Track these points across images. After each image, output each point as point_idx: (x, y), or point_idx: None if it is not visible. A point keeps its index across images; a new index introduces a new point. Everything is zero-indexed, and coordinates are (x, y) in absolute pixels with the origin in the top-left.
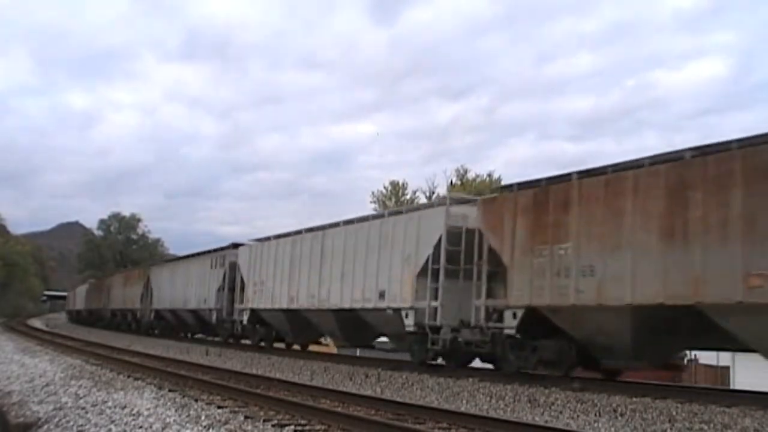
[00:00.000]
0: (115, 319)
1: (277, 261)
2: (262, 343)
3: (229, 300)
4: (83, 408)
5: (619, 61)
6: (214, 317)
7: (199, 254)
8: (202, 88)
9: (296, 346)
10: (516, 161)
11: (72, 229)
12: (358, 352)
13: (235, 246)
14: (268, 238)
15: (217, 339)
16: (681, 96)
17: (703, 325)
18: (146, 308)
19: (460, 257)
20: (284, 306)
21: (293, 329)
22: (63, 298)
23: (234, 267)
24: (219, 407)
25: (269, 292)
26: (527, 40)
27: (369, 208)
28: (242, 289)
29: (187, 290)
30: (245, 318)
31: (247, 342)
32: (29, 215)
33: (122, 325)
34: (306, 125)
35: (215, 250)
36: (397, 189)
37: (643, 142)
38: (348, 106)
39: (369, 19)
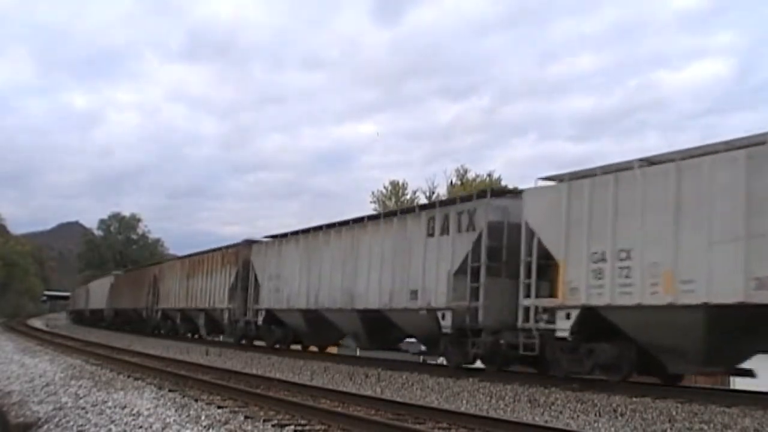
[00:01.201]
0: (167, 323)
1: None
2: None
3: (482, 292)
4: (83, 408)
5: (621, 61)
6: (448, 322)
7: (377, 216)
8: (204, 89)
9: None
10: (516, 161)
11: (72, 229)
12: None
13: (501, 193)
14: (645, 162)
15: (440, 362)
16: (683, 96)
17: None
18: (240, 308)
19: None
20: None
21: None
22: (63, 298)
23: (498, 230)
24: (219, 407)
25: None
26: (529, 40)
27: (369, 208)
28: (530, 271)
29: (356, 279)
30: (567, 325)
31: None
32: (29, 215)
33: (182, 330)
34: (308, 125)
35: (441, 204)
36: (397, 189)
37: (644, 143)
38: (350, 107)
39: (371, 20)
